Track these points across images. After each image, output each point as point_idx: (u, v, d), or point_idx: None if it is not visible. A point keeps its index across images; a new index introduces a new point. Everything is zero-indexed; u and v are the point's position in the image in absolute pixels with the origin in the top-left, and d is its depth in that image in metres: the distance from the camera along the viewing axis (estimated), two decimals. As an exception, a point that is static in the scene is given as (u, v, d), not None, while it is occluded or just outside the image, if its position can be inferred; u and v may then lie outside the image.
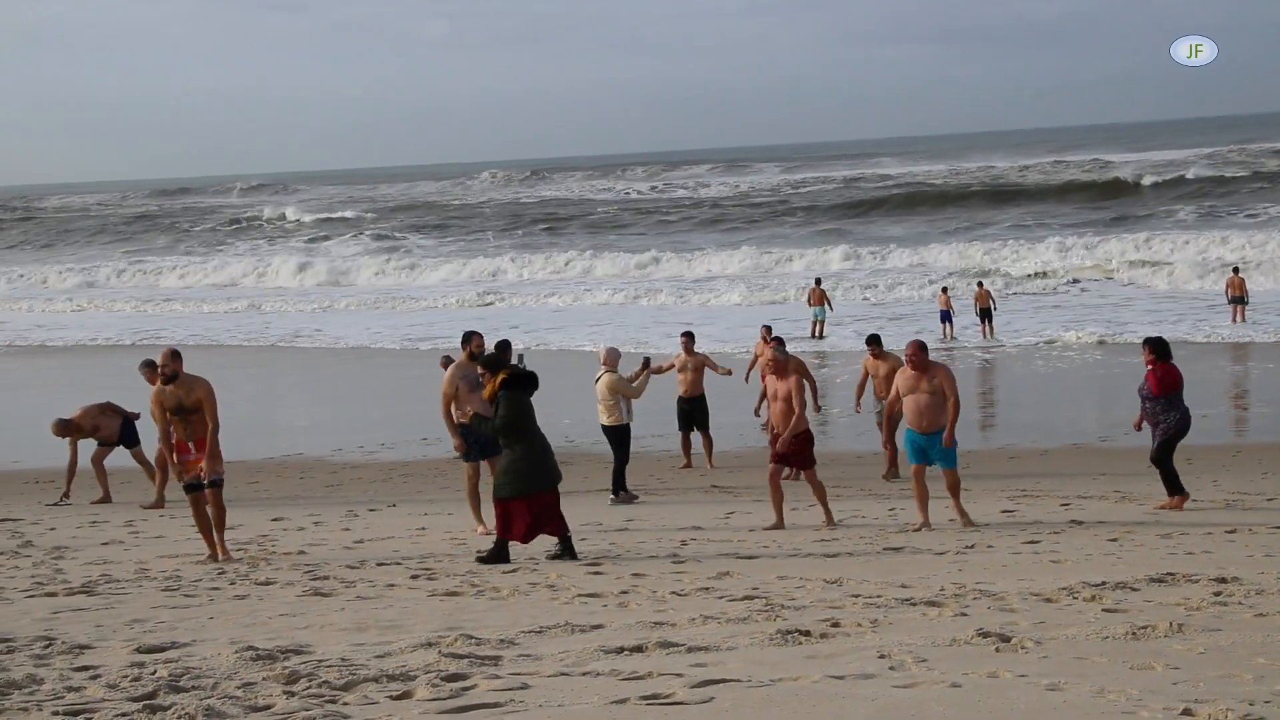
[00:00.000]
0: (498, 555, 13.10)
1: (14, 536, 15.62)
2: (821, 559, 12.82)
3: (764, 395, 19.27)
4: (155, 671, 8.49)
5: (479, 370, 13.99)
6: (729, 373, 21.53)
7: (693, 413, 20.90)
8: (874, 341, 19.72)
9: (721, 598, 10.74)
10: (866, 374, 19.65)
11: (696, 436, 20.98)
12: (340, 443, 23.61)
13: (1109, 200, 71.99)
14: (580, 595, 11.05)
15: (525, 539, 13.21)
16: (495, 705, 7.56)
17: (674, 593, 11.05)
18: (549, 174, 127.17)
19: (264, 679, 8.24)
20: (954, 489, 14.77)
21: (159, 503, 18.09)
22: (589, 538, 14.67)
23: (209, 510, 13.52)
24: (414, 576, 12.32)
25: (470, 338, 16.05)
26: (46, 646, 9.41)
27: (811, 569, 12.11)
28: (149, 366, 18.68)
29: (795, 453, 15.22)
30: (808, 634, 9.06)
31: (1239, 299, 37.64)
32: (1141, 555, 12.45)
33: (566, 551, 13.21)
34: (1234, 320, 37.31)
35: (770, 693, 7.59)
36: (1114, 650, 8.41)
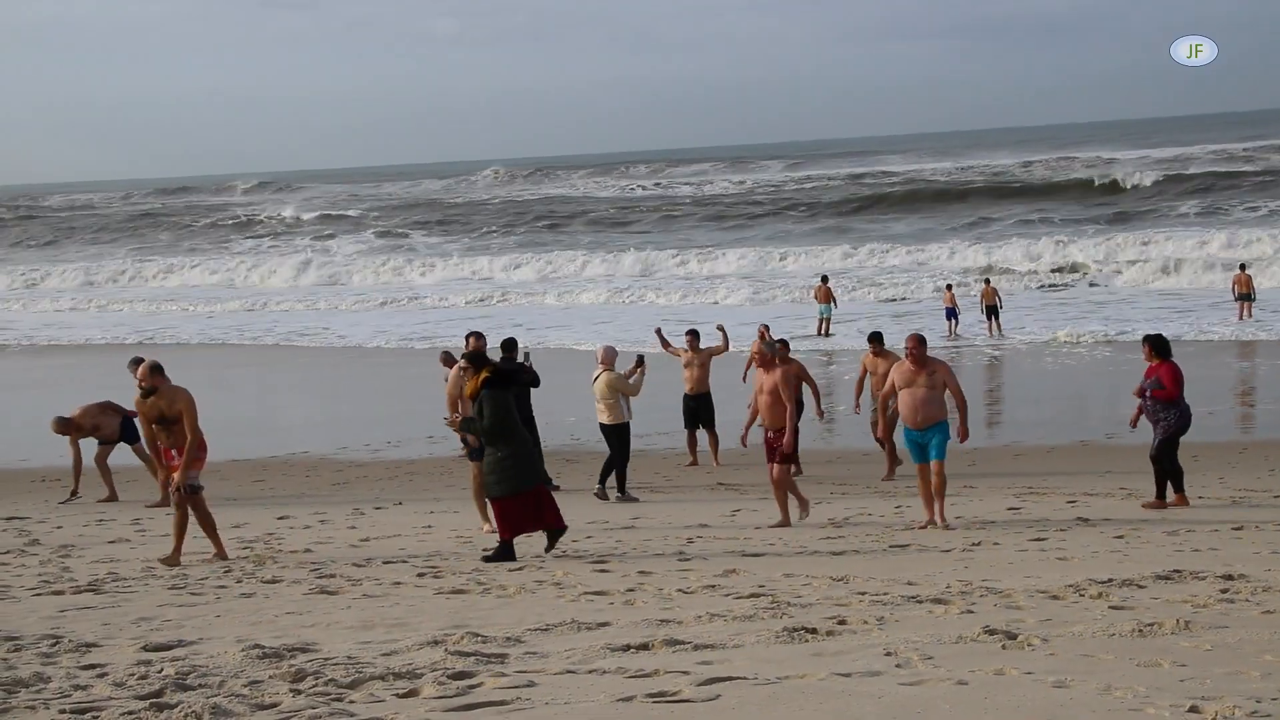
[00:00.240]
0: (502, 554, 13.12)
1: (21, 535, 15.65)
2: (828, 556, 12.82)
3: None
4: (162, 670, 8.49)
5: (462, 365, 13.95)
6: (726, 347, 21.48)
7: (698, 410, 20.90)
8: (876, 339, 19.67)
9: (728, 595, 10.74)
10: (865, 372, 19.60)
11: (702, 434, 20.98)
12: (346, 441, 23.62)
13: (1113, 197, 71.90)
14: (586, 593, 11.05)
15: (515, 533, 13.23)
16: (502, 703, 7.56)
17: (680, 590, 11.05)
18: (555, 171, 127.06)
19: (270, 677, 8.25)
20: (940, 487, 14.59)
21: (164, 501, 18.09)
22: (595, 535, 14.68)
23: (192, 515, 13.45)
24: (420, 574, 12.33)
25: (469, 338, 16.08)
26: (53, 645, 9.42)
27: (818, 566, 12.11)
28: (138, 364, 18.71)
29: (777, 443, 15.11)
30: (814, 631, 9.06)
31: (1246, 296, 37.60)
32: (1148, 552, 12.44)
33: (497, 556, 13.14)
34: (1241, 317, 37.26)
35: (776, 690, 7.58)
36: (1121, 647, 8.40)
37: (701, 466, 20.59)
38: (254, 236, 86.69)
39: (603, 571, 12.27)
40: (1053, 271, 50.70)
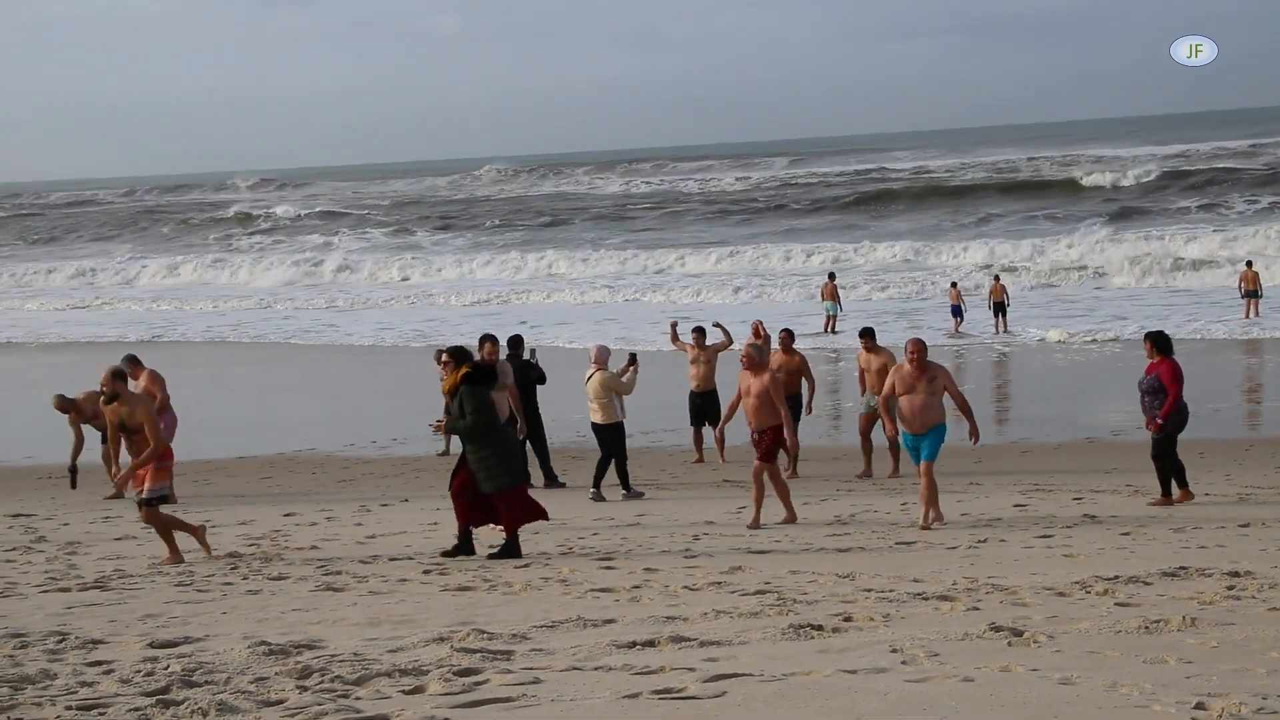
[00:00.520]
0: (509, 551, 13.13)
1: (27, 532, 15.67)
2: (833, 553, 12.82)
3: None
4: (168, 666, 8.51)
5: (441, 358, 13.84)
6: (730, 342, 21.46)
7: (704, 408, 20.89)
8: (867, 335, 19.56)
9: (733, 592, 10.74)
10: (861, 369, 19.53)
11: (708, 432, 20.97)
12: (352, 438, 23.63)
13: (1115, 194, 71.83)
14: (592, 590, 11.06)
15: (476, 525, 13.23)
16: (507, 700, 7.57)
17: (686, 587, 11.06)
18: (560, 168, 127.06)
19: (276, 674, 8.26)
20: (928, 488, 14.42)
21: (170, 497, 18.12)
22: (601, 533, 14.69)
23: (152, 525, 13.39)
24: (426, 571, 12.34)
25: (484, 343, 16.02)
26: (60, 642, 9.43)
27: (823, 563, 12.11)
28: (131, 361, 18.70)
29: (762, 441, 15.06)
30: (820, 628, 9.06)
31: (1253, 293, 37.53)
32: (1154, 549, 12.43)
33: (506, 552, 13.10)
34: (1248, 315, 37.20)
35: (782, 687, 7.59)
36: (1127, 644, 8.40)
37: (707, 464, 20.57)
38: (256, 234, 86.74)
39: (609, 568, 12.27)
40: (1057, 269, 50.62)
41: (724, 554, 12.94)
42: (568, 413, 23.43)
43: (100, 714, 7.51)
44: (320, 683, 8.03)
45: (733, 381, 22.65)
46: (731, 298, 49.27)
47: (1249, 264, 39.36)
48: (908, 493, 17.22)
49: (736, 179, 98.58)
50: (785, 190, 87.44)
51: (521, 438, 17.82)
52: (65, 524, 16.29)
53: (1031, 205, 71.00)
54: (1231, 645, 8.31)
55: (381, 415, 26.65)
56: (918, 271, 52.30)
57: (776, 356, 19.65)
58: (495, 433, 13.26)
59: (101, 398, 13.32)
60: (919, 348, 14.66)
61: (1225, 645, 8.30)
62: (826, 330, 38.42)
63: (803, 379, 19.64)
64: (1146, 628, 8.78)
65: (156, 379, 18.45)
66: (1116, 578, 10.70)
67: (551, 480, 19.21)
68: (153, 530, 13.60)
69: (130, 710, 7.53)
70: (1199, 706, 6.92)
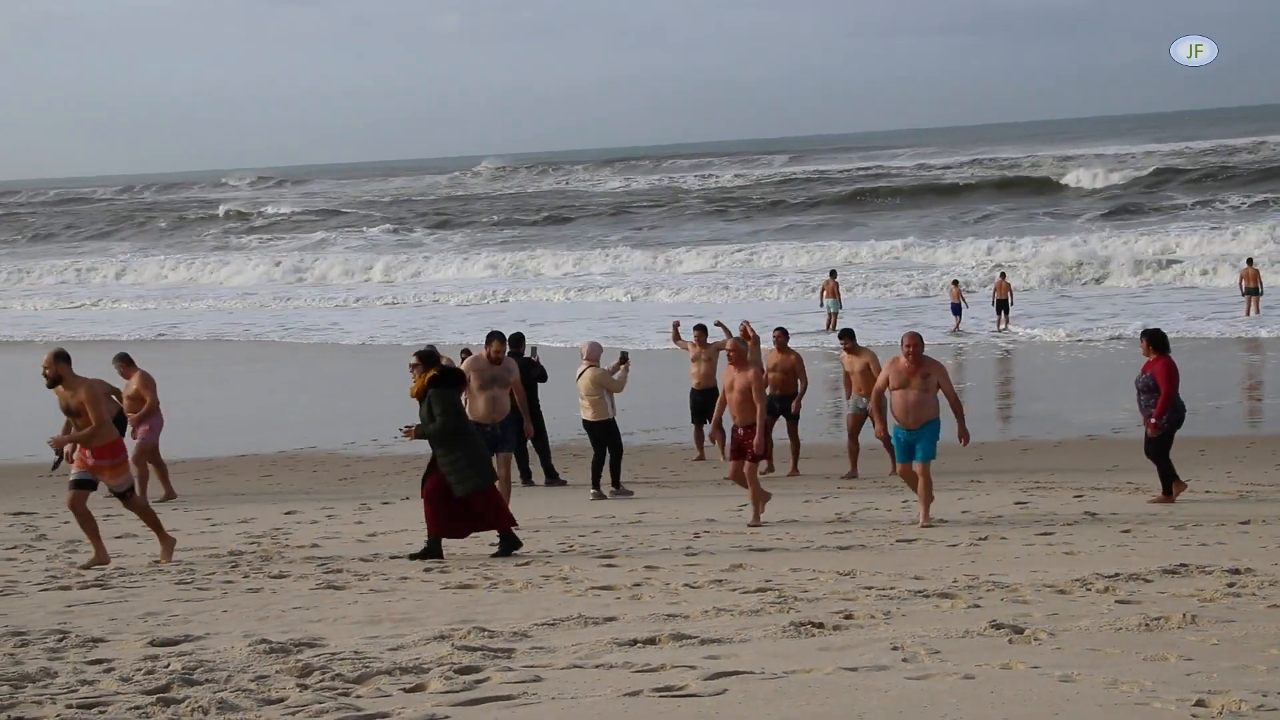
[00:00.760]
0: (510, 544, 13.10)
1: (28, 530, 15.68)
2: (834, 551, 12.82)
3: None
4: (169, 665, 8.51)
5: (411, 361, 13.73)
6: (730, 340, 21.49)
7: (706, 405, 20.83)
8: (847, 336, 19.50)
9: (734, 590, 10.74)
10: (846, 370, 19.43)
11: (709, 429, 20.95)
12: (353, 436, 23.63)
13: (1118, 192, 71.84)
14: (593, 588, 11.06)
15: (462, 534, 13.19)
16: (508, 697, 7.57)
17: (687, 585, 11.06)
18: (562, 165, 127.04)
19: (277, 672, 8.26)
20: (926, 489, 14.43)
21: (169, 494, 18.13)
22: (602, 531, 14.69)
23: (139, 515, 13.31)
24: (427, 569, 12.35)
25: (491, 339, 16.01)
26: (60, 640, 9.43)
27: (824, 561, 12.11)
28: (123, 360, 18.62)
29: (747, 441, 15.00)
30: (821, 626, 9.07)
31: (1254, 290, 37.52)
32: (1155, 547, 12.43)
33: (507, 546, 13.12)
34: (1248, 312, 37.19)
35: (783, 685, 7.59)
36: (1127, 642, 8.40)
37: (708, 461, 20.56)
38: (255, 231, 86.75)
39: (609, 566, 12.27)
40: (1057, 266, 50.57)
41: (725, 552, 12.94)
42: (569, 411, 23.43)
43: (101, 712, 7.51)
44: (321, 681, 8.03)
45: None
46: (726, 296, 49.26)
47: (1249, 261, 39.34)
48: (908, 490, 17.22)
49: (735, 176, 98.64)
50: (784, 187, 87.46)
51: (529, 437, 17.82)
52: (66, 522, 16.26)
53: (1032, 203, 71.02)
54: (1232, 642, 8.31)
55: (382, 413, 26.64)
56: (913, 270, 52.28)
57: (771, 355, 19.63)
58: (466, 435, 13.19)
59: (45, 381, 12.96)
60: (915, 341, 14.54)
61: (1225, 642, 8.31)
62: (829, 329, 38.38)
63: (797, 378, 19.54)
64: (1147, 625, 8.78)
65: (148, 381, 18.32)
66: (1117, 575, 10.70)
67: (553, 478, 19.22)
68: (151, 528, 13.58)
69: (131, 708, 7.54)
70: (1199, 704, 6.92)
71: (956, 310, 38.11)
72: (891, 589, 10.49)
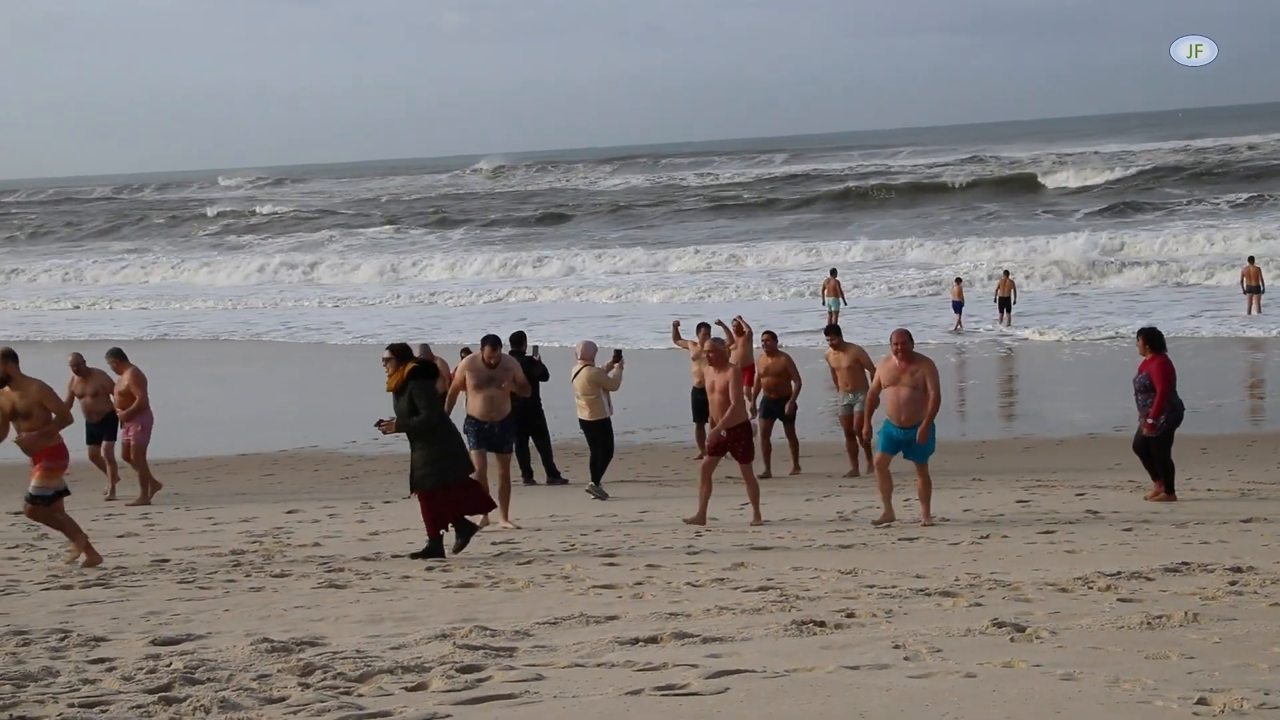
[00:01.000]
0: (466, 533, 13.04)
1: (30, 529, 15.67)
2: (836, 550, 12.82)
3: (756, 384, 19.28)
4: (170, 664, 8.51)
5: (383, 356, 13.63)
6: (733, 340, 21.50)
7: (707, 404, 20.84)
8: (833, 333, 19.45)
9: (736, 589, 10.74)
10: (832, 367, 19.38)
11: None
12: (355, 435, 23.63)
13: (1118, 190, 71.85)
14: (595, 586, 11.06)
15: (439, 528, 13.10)
16: (510, 696, 7.57)
17: (689, 584, 11.06)
18: (560, 163, 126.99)
19: (279, 671, 8.26)
20: (924, 488, 14.42)
21: (145, 499, 18.01)
22: (604, 529, 14.69)
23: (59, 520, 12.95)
24: (429, 568, 12.35)
25: (484, 344, 15.94)
26: (62, 639, 9.44)
27: (826, 560, 12.11)
28: (116, 356, 18.59)
29: (734, 444, 14.95)
30: (822, 625, 9.06)
31: (1255, 288, 37.50)
32: (1157, 545, 12.43)
33: (464, 538, 13.05)
34: (1250, 310, 37.18)
35: (785, 683, 7.59)
36: (1129, 640, 8.40)
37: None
38: (255, 230, 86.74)
39: (611, 565, 12.27)
40: (1058, 265, 50.56)
41: (727, 550, 12.94)
42: (571, 410, 23.42)
43: (102, 711, 7.51)
44: (323, 680, 8.03)
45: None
46: (724, 295, 49.24)
47: (1251, 259, 39.32)
48: (910, 489, 17.22)
49: (734, 174, 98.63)
50: (783, 186, 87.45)
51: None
52: (68, 521, 16.28)
53: (1032, 201, 71.02)
54: (1233, 641, 8.31)
55: (383, 412, 26.63)
56: (911, 268, 52.25)
57: (761, 359, 19.61)
58: (448, 427, 13.22)
59: None
60: (903, 338, 14.45)
61: (1227, 641, 8.30)
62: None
63: (790, 380, 19.46)
64: (1149, 623, 8.78)
65: (139, 378, 18.25)
66: (1119, 573, 10.69)
67: (554, 477, 19.23)
68: (155, 527, 13.58)
69: (132, 707, 7.54)
70: (1201, 702, 6.92)
71: (958, 308, 38.12)
72: (893, 587, 10.49)
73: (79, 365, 18.76)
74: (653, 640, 8.77)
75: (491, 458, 15.09)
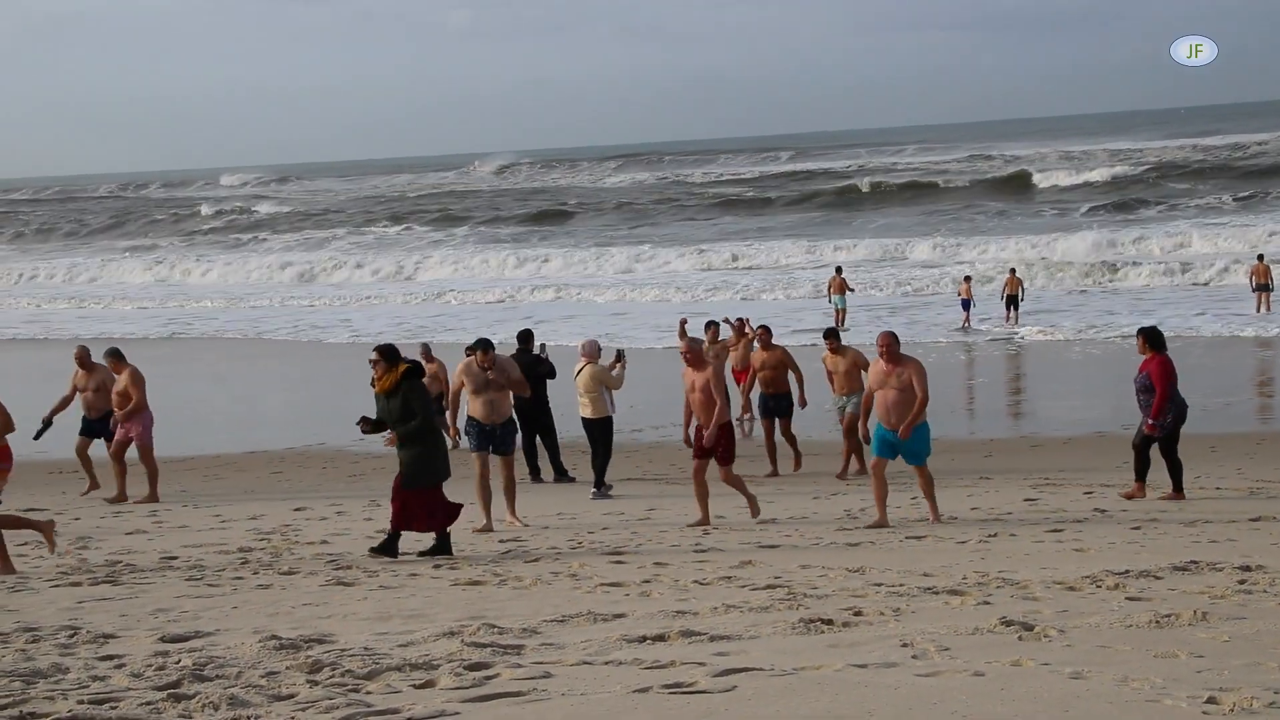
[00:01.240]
0: (389, 546, 12.88)
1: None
2: (844, 548, 12.82)
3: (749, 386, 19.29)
4: (179, 660, 8.52)
5: (371, 357, 13.59)
6: (738, 339, 21.63)
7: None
8: (831, 335, 19.36)
9: (744, 587, 10.74)
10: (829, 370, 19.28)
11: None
12: (360, 433, 23.61)
13: (1118, 188, 71.78)
14: (603, 584, 11.06)
15: (402, 526, 13.00)
16: (518, 694, 7.58)
17: (696, 582, 11.06)
18: (568, 162, 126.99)
19: (287, 668, 8.27)
20: (926, 488, 14.39)
21: (120, 496, 17.98)
22: (611, 528, 14.69)
23: None
24: (436, 566, 12.36)
25: (474, 348, 15.90)
26: (71, 636, 9.45)
27: (834, 558, 12.11)
28: (114, 356, 18.58)
29: (715, 444, 14.84)
30: (830, 623, 9.06)
31: (1264, 286, 37.45)
32: (1165, 543, 12.41)
33: (440, 547, 12.98)
34: (1259, 308, 37.12)
35: (792, 681, 7.58)
36: (1138, 639, 8.39)
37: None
38: (261, 228, 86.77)
39: (619, 563, 12.27)
40: (1062, 264, 50.53)
41: (734, 549, 12.94)
42: (573, 408, 23.42)
43: (112, 708, 7.52)
44: (331, 677, 8.04)
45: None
46: (729, 293, 49.24)
47: (1260, 257, 39.27)
48: (915, 488, 17.20)
49: (739, 172, 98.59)
50: (788, 184, 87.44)
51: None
52: (76, 518, 16.33)
53: (1034, 200, 70.98)
54: (1243, 639, 8.29)
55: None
56: (917, 267, 52.22)
57: (758, 354, 19.57)
58: (435, 430, 13.21)
59: None
60: (889, 341, 14.36)
61: (1236, 639, 8.29)
62: (838, 324, 38.36)
63: (789, 373, 19.39)
64: (1157, 622, 8.77)
65: (137, 378, 18.17)
66: (1127, 572, 10.68)
67: (562, 475, 19.23)
68: (163, 524, 13.60)
69: (142, 704, 7.55)
70: (1210, 701, 6.91)
71: (966, 306, 38.09)
72: (901, 586, 10.48)
73: (84, 359, 18.75)
74: (660, 638, 8.77)
75: (495, 459, 15.08)
